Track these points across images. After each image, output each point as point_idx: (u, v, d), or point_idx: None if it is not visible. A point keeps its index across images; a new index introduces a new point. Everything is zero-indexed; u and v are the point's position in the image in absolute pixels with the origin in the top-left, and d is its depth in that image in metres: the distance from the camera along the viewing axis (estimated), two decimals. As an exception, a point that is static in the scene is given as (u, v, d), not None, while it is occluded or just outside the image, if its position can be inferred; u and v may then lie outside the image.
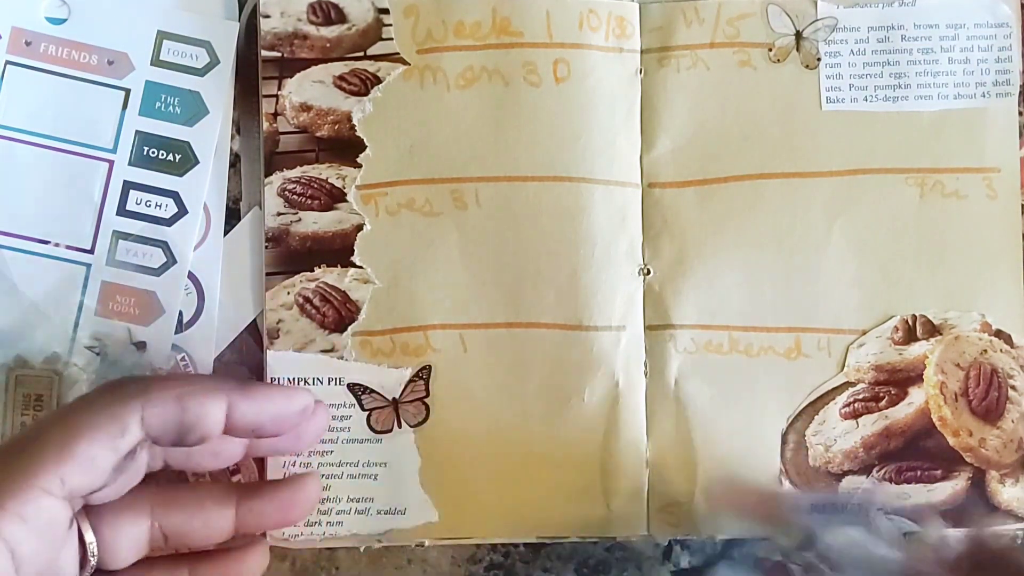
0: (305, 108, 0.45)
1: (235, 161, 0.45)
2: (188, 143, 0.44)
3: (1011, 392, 0.44)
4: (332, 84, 0.45)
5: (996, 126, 0.45)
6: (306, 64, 0.45)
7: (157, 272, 0.44)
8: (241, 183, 0.45)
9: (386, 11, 0.45)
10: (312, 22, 0.45)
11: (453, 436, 0.44)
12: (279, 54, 0.45)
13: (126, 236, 0.44)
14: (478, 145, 0.44)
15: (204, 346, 0.44)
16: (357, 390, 0.44)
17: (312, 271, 0.44)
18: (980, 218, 0.44)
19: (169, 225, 0.44)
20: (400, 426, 0.44)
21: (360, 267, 0.44)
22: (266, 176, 0.45)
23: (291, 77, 0.45)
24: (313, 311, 0.44)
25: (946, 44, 0.45)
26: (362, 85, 0.45)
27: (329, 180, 0.44)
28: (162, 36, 0.44)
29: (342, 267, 0.44)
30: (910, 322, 0.44)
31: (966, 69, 0.45)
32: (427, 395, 0.44)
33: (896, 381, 0.44)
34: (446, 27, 0.44)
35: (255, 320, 0.45)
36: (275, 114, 0.45)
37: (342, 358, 0.44)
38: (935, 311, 0.44)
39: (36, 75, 0.44)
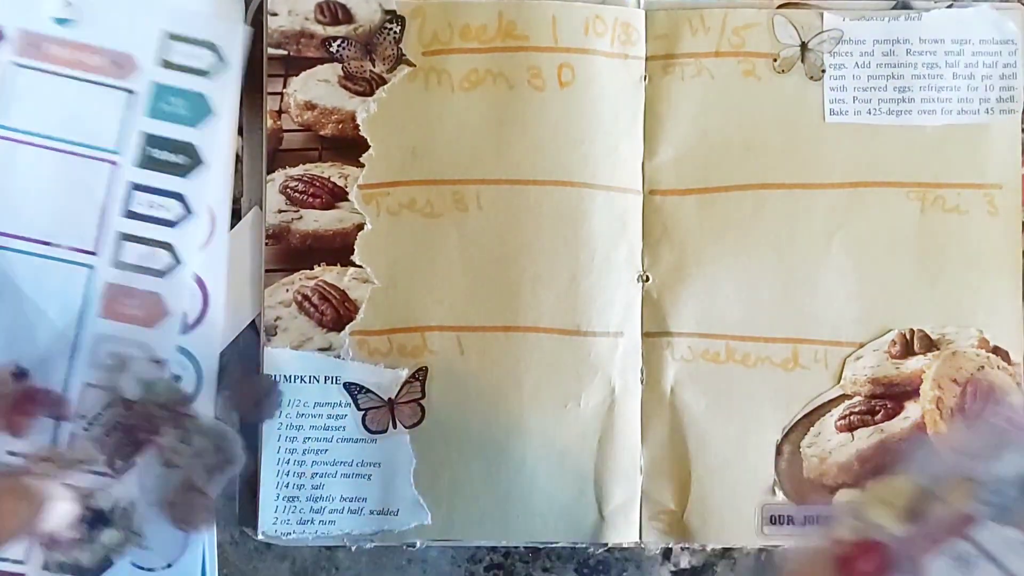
0: (310, 107, 0.45)
1: (235, 161, 0.45)
2: (193, 145, 0.44)
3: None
4: (337, 83, 0.45)
5: (999, 142, 0.45)
6: (312, 63, 0.45)
7: (162, 274, 0.44)
8: (243, 181, 0.45)
9: (393, 12, 0.45)
10: (319, 21, 0.45)
11: (448, 438, 0.44)
12: (285, 52, 0.45)
13: (131, 238, 0.44)
14: (481, 147, 0.44)
15: (208, 347, 0.44)
16: (353, 389, 0.44)
17: (312, 269, 0.44)
18: (980, 234, 0.44)
19: (174, 227, 0.44)
20: (395, 426, 0.44)
21: (360, 266, 0.44)
22: (268, 173, 0.45)
23: (296, 75, 0.45)
24: (312, 309, 0.44)
25: (951, 59, 0.45)
26: (367, 85, 0.45)
27: (331, 179, 0.45)
28: (169, 37, 0.44)
29: (342, 266, 0.44)
30: (908, 336, 0.44)
31: (970, 85, 0.45)
32: (423, 396, 0.44)
33: (892, 395, 0.44)
34: (452, 30, 0.45)
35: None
36: (279, 112, 0.45)
37: (339, 357, 0.44)
38: (933, 326, 0.44)
39: (42, 76, 0.44)
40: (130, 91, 0.44)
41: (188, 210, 0.44)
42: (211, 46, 0.44)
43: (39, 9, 0.44)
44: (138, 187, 0.44)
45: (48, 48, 0.44)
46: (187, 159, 0.44)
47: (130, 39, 0.44)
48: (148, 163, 0.44)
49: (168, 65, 0.44)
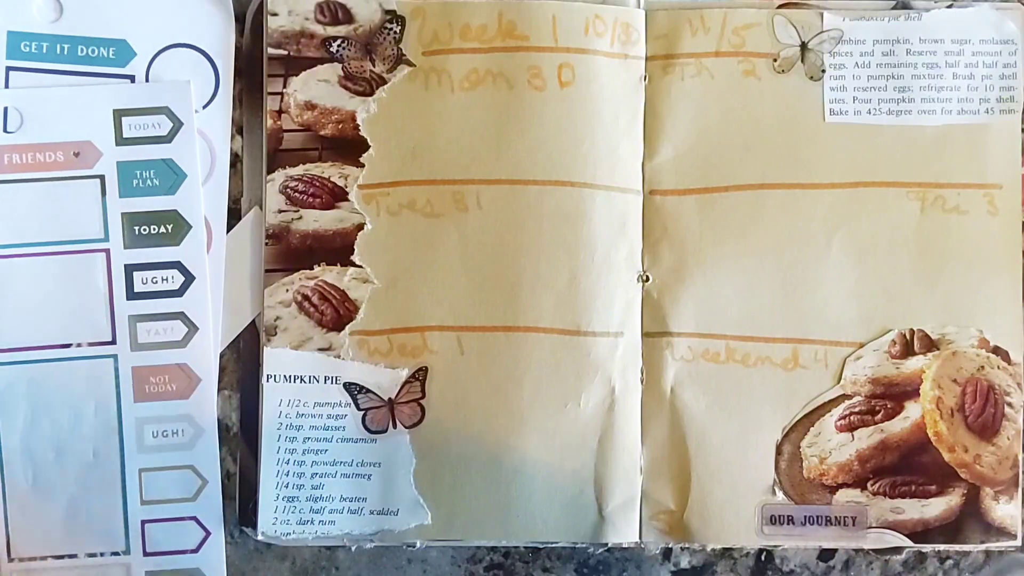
0: (310, 106, 0.45)
1: (235, 161, 0.45)
2: (176, 211, 0.44)
3: (1007, 409, 0.44)
4: (337, 83, 0.45)
5: (999, 143, 0.45)
6: (312, 63, 0.45)
7: (183, 343, 0.44)
8: (243, 181, 0.45)
9: (393, 12, 0.45)
10: (319, 21, 0.45)
11: (448, 438, 0.44)
12: (285, 52, 0.45)
13: (142, 318, 0.44)
14: (481, 147, 0.44)
15: (204, 352, 0.44)
16: (353, 389, 0.44)
17: (312, 269, 0.44)
18: (980, 234, 0.44)
19: (180, 295, 0.44)
20: (395, 427, 0.44)
21: (360, 266, 0.44)
22: (268, 173, 0.45)
23: (296, 75, 0.45)
24: (311, 309, 0.44)
25: (951, 59, 0.45)
26: (367, 85, 0.45)
27: (331, 179, 0.45)
28: (119, 114, 0.44)
29: (342, 266, 0.44)
30: (908, 336, 0.44)
31: (970, 85, 0.45)
32: (423, 396, 0.44)
33: (892, 395, 0.44)
34: (452, 30, 0.45)
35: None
36: (279, 112, 0.45)
37: (339, 357, 0.44)
38: (933, 326, 0.44)
39: (7, 187, 0.43)
40: (98, 176, 0.44)
41: (189, 275, 0.44)
42: (163, 110, 0.44)
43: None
44: (135, 267, 0.44)
45: (4, 158, 0.43)
46: (173, 226, 0.44)
47: (82, 126, 0.43)
48: (137, 241, 0.44)
49: (127, 141, 0.44)
